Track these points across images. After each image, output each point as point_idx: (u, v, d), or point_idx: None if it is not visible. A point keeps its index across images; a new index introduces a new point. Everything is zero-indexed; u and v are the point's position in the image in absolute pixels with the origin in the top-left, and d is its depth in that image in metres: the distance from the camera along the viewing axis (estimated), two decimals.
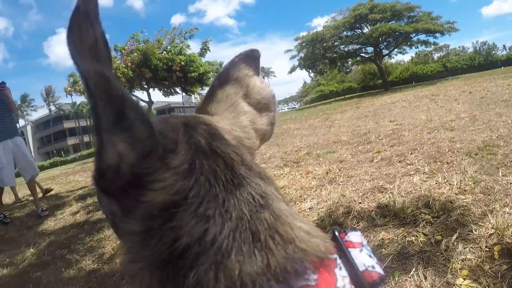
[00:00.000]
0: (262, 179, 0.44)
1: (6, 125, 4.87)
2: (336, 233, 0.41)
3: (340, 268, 0.36)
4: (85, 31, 0.35)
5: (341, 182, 3.11)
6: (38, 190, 6.22)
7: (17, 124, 5.00)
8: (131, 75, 20.01)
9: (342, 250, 0.39)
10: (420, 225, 1.84)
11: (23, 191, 7.32)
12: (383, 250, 1.69)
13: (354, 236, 0.41)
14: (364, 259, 0.38)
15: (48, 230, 4.16)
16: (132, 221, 0.40)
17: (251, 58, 0.62)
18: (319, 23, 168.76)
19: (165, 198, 0.39)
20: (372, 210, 2.20)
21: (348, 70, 43.49)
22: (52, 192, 6.87)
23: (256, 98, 0.59)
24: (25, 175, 5.03)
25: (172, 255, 0.36)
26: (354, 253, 0.39)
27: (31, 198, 5.57)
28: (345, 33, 33.83)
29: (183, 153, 0.42)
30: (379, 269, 0.37)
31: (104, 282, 2.26)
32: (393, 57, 40.65)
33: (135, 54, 20.04)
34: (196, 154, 0.42)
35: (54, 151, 61.93)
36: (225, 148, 0.44)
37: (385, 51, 35.21)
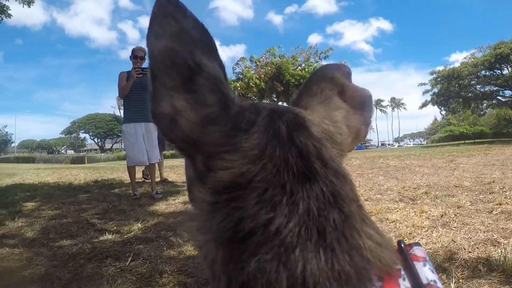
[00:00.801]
0: (338, 177, 0.39)
1: (144, 109, 4.78)
2: (402, 245, 0.39)
3: (404, 279, 0.35)
4: (166, 25, 0.42)
5: (455, 227, 2.96)
6: (157, 174, 6.32)
7: None
8: (263, 86, 20.30)
9: (407, 262, 0.37)
10: None
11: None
12: None
13: (418, 251, 0.39)
14: (427, 273, 0.36)
15: (158, 211, 4.16)
16: (204, 190, 0.39)
17: (342, 72, 0.58)
18: (457, 58, 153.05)
19: (230, 178, 0.37)
20: (480, 262, 2.12)
21: (482, 112, 39.08)
22: (170, 180, 7.05)
23: (351, 95, 0.55)
24: (148, 158, 5.03)
25: (236, 237, 0.34)
26: (418, 266, 0.37)
27: (149, 180, 5.62)
28: (483, 72, 30.47)
29: (257, 136, 0.40)
30: (440, 285, 0.36)
31: (200, 270, 2.19)
32: None
33: (269, 67, 20.27)
34: (271, 139, 0.39)
35: None
36: (305, 140, 0.41)
37: None
